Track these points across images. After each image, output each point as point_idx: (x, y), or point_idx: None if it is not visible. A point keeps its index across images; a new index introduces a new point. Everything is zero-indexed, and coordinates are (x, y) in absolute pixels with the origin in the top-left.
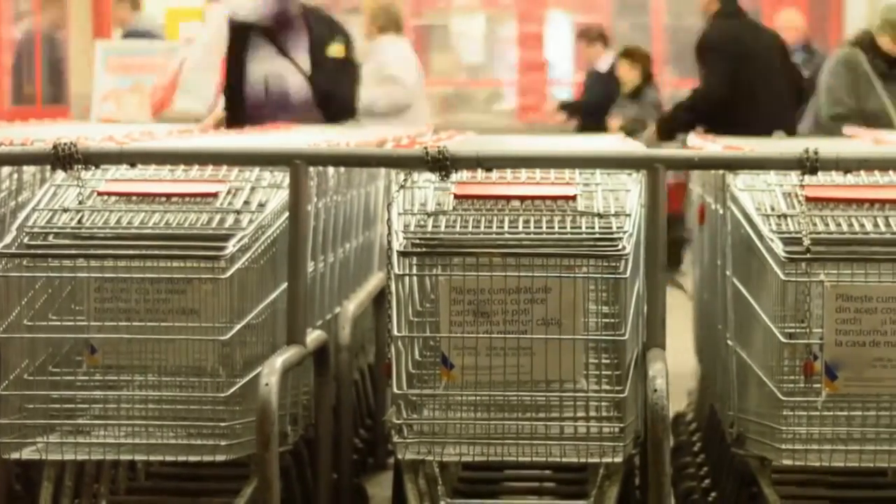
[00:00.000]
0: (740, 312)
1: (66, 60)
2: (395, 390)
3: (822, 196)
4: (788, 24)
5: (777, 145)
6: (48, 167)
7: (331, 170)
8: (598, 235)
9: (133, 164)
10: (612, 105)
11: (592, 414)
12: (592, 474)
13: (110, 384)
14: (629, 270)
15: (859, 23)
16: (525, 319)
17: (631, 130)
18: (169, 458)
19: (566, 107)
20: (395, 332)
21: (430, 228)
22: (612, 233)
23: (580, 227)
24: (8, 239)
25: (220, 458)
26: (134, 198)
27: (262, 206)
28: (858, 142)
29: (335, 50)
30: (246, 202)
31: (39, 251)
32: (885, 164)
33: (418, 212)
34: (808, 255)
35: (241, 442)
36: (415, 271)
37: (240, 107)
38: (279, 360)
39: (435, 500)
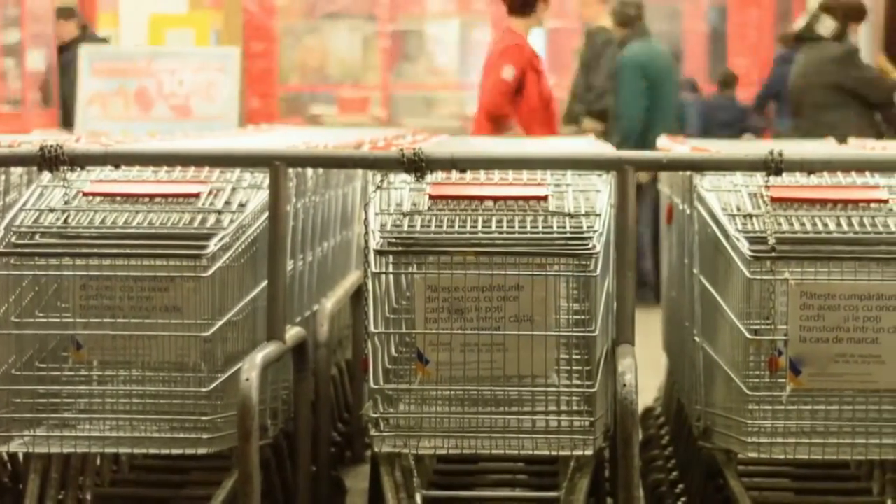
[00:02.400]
0: (707, 309)
1: (52, 65)
2: (372, 385)
3: (787, 196)
4: None
5: (743, 147)
6: (35, 168)
7: (309, 171)
8: (568, 235)
9: (117, 166)
10: None
11: (563, 408)
12: (563, 467)
13: (95, 379)
14: (599, 269)
15: None
16: (498, 316)
17: None
18: (152, 451)
19: None
20: (372, 329)
21: (405, 228)
22: (582, 232)
23: (551, 227)
24: None
25: (202, 451)
26: (118, 198)
27: (242, 206)
28: (821, 144)
29: None
30: (227, 202)
31: (26, 250)
32: (847, 166)
33: (394, 212)
34: (773, 254)
35: (223, 435)
36: (391, 269)
37: None
38: (259, 356)
39: (411, 492)
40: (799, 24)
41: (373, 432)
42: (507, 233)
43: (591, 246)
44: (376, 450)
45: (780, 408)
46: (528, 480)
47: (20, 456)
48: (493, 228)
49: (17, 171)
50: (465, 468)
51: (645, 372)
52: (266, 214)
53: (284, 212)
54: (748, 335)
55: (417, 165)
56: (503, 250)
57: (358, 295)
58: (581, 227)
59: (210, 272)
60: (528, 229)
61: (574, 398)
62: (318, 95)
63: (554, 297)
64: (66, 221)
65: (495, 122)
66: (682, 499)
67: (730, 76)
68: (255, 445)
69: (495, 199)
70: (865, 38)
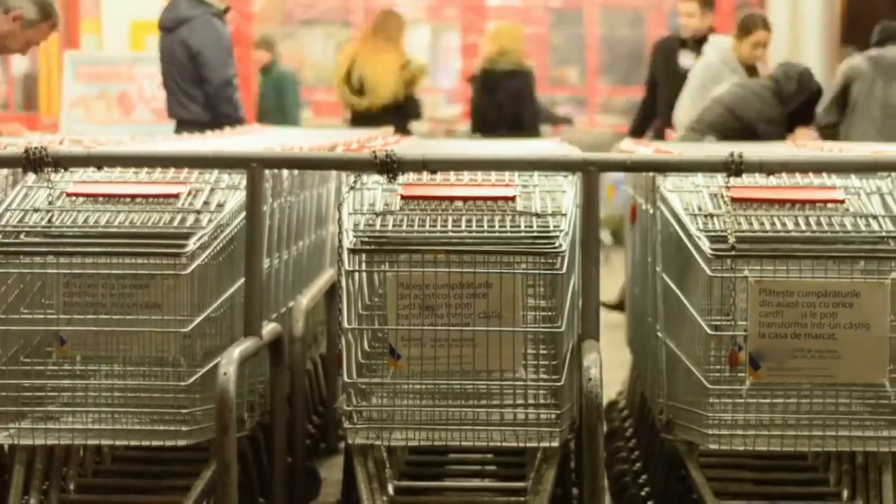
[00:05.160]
0: (669, 306)
1: (37, 70)
2: (346, 379)
3: (747, 197)
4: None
5: (704, 149)
6: (20, 170)
7: (285, 172)
8: (536, 234)
9: (100, 167)
10: None
11: (531, 401)
12: (531, 458)
13: (78, 373)
14: (565, 266)
15: (781, 18)
16: (468, 313)
17: None
18: (133, 443)
19: None
20: (346, 325)
21: (378, 227)
22: (549, 231)
23: (519, 226)
24: None
25: (182, 442)
26: (100, 198)
27: (220, 206)
28: (781, 146)
29: None
30: (205, 202)
31: (11, 249)
32: (804, 167)
33: (367, 212)
34: (734, 253)
35: (201, 428)
36: (364, 267)
37: None
38: (237, 351)
39: (383, 483)
40: None
41: (346, 425)
42: (477, 232)
43: (557, 245)
44: (350, 441)
45: (739, 401)
46: (496, 471)
47: (5, 448)
48: (463, 228)
49: (2, 172)
50: (435, 459)
51: (609, 366)
52: (243, 214)
53: (261, 212)
54: (709, 331)
55: (389, 167)
56: (473, 249)
57: (332, 292)
58: (548, 227)
59: (189, 270)
60: (497, 228)
61: (541, 392)
62: None
63: (522, 294)
64: (50, 221)
65: None
66: (646, 489)
67: None
68: (232, 437)
69: (465, 199)
70: (822, 30)
